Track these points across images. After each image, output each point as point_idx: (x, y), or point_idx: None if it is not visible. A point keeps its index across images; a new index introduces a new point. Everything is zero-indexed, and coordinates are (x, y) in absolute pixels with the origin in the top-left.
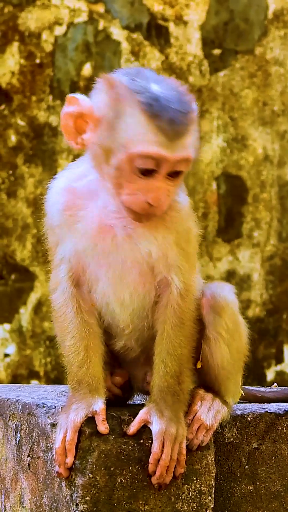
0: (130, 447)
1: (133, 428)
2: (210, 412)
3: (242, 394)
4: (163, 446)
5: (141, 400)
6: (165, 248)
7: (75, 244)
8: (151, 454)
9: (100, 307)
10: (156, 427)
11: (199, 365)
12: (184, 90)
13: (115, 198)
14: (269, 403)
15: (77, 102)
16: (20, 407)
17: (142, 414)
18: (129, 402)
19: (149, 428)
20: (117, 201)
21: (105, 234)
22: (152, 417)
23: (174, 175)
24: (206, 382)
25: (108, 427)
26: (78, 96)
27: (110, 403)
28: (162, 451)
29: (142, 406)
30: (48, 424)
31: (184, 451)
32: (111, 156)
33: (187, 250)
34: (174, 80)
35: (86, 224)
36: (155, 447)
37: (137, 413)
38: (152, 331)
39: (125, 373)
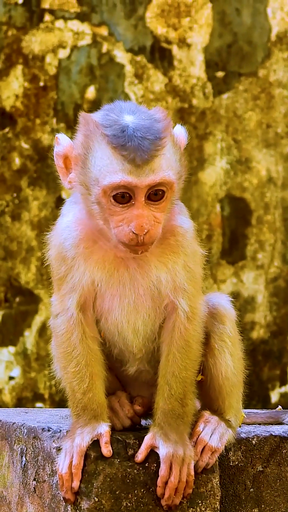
0: (135, 471)
1: (141, 455)
2: (214, 434)
3: (244, 417)
4: (170, 469)
5: (145, 423)
6: (173, 273)
7: (90, 275)
8: (159, 477)
9: (111, 335)
10: (163, 450)
11: (199, 378)
12: (160, 117)
13: (109, 234)
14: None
15: (59, 142)
16: (25, 431)
17: (148, 440)
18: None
19: (154, 451)
20: (112, 237)
21: (118, 265)
22: (158, 441)
23: (155, 199)
24: (208, 399)
25: (111, 450)
26: (60, 136)
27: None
28: (169, 473)
29: (146, 429)
30: (54, 448)
31: (192, 472)
32: (90, 192)
33: (194, 274)
34: (157, 109)
35: (99, 256)
36: (163, 470)
37: (142, 437)
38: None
39: (145, 401)
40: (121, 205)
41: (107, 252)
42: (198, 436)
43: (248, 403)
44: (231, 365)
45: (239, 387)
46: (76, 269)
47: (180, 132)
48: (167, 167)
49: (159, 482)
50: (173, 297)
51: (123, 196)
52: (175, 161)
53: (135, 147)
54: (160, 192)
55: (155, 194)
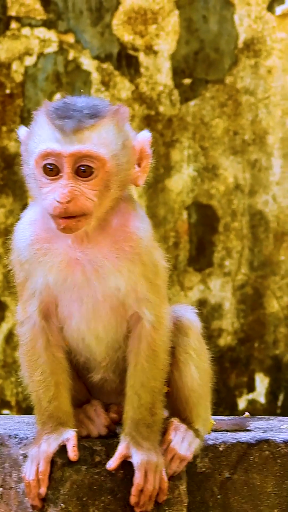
0: (102, 477)
1: (114, 464)
2: (184, 443)
3: (213, 424)
4: (145, 476)
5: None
6: (133, 282)
7: (45, 278)
8: (134, 486)
9: (75, 343)
10: (137, 458)
11: (165, 389)
12: (102, 101)
13: (42, 211)
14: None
15: (18, 136)
16: None
17: (121, 449)
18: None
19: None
20: (43, 212)
21: (73, 268)
22: (132, 450)
23: (84, 176)
24: (176, 409)
25: (78, 454)
26: (19, 130)
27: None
28: (145, 481)
29: (113, 436)
30: (20, 455)
31: (166, 478)
32: (29, 169)
33: (156, 282)
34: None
35: (53, 258)
36: (138, 478)
37: (109, 443)
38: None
39: (120, 409)
40: (49, 178)
41: (61, 253)
42: (169, 445)
43: (215, 410)
44: (196, 377)
45: (206, 398)
46: (33, 274)
47: (142, 136)
48: (98, 142)
49: (134, 490)
50: (136, 308)
51: (51, 169)
52: (114, 144)
53: (67, 117)
54: (88, 168)
55: (84, 170)
